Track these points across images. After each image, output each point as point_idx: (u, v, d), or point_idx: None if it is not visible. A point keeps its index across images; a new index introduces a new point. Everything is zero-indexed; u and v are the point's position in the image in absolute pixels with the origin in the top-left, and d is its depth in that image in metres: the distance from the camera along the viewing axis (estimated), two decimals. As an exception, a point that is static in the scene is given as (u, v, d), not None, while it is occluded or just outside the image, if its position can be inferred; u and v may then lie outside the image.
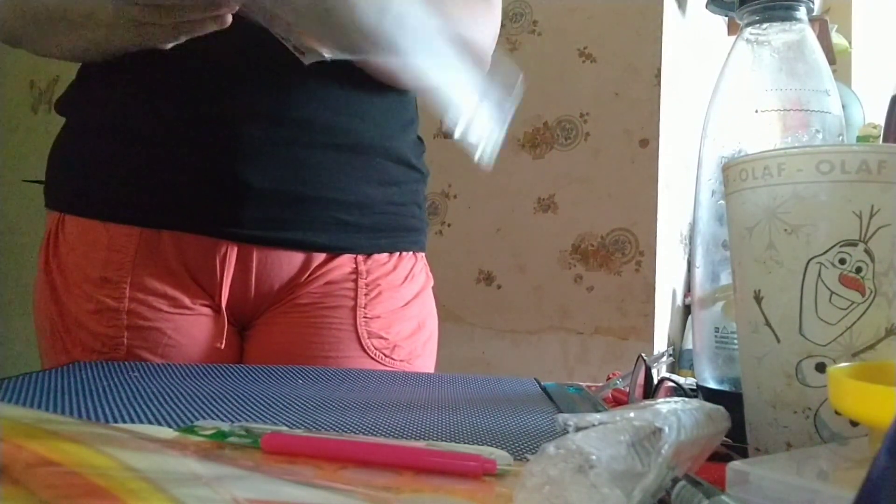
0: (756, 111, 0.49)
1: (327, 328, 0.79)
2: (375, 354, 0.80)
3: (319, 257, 0.79)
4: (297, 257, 0.78)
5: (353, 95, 0.75)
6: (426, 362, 0.87)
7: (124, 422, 0.44)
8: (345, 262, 0.80)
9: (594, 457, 0.26)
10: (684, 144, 2.21)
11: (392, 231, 0.84)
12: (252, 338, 0.82)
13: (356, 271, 0.81)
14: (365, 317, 0.80)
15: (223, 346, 0.78)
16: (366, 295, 0.81)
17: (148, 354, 0.76)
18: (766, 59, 0.50)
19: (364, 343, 0.80)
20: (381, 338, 0.81)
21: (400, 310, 0.83)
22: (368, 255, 0.82)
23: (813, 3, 0.50)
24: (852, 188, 0.37)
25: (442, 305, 0.91)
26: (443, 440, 0.42)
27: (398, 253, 0.84)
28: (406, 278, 0.85)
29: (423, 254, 0.89)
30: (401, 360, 0.82)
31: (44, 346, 0.84)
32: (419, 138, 0.89)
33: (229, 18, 0.64)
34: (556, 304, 2.04)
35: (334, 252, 0.80)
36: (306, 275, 0.79)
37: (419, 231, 0.88)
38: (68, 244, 0.79)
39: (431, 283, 0.90)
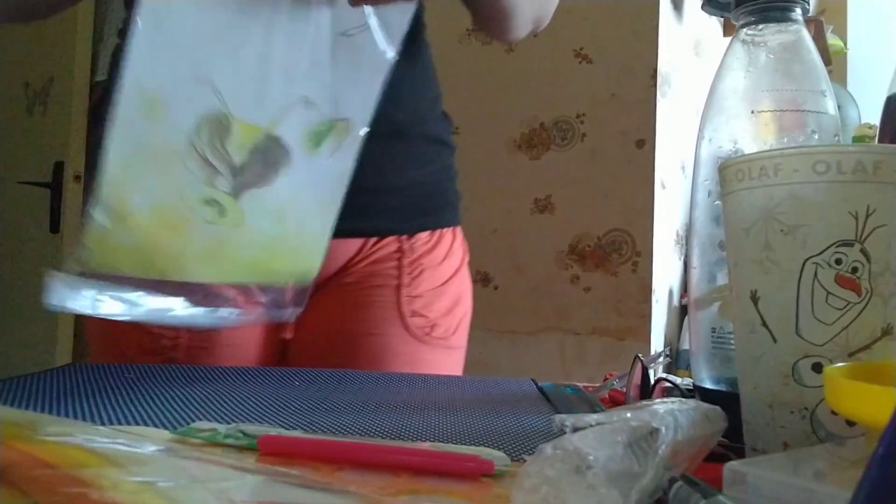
0: (752, 112, 0.49)
1: (371, 307, 0.81)
2: (417, 333, 0.83)
3: (371, 241, 0.82)
4: (354, 244, 0.81)
5: (387, 83, 0.76)
6: (461, 338, 0.89)
7: (121, 424, 0.44)
8: (390, 243, 0.83)
9: (591, 457, 0.26)
10: (680, 145, 2.21)
11: (432, 209, 0.87)
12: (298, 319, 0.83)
13: (400, 250, 0.83)
14: (408, 296, 0.83)
15: (281, 333, 0.81)
16: (409, 274, 0.83)
17: (204, 355, 0.77)
18: (761, 59, 0.50)
19: (406, 322, 0.82)
20: (423, 316, 0.83)
21: (440, 287, 0.86)
22: (412, 234, 0.84)
23: (808, 4, 0.50)
24: (848, 188, 0.37)
25: (440, 306, 0.91)
26: (440, 441, 0.42)
27: (437, 231, 0.87)
28: (446, 255, 0.87)
29: (459, 227, 0.92)
30: (439, 338, 0.85)
31: (95, 349, 0.84)
32: (444, 113, 0.91)
33: None
34: (553, 305, 2.04)
35: (384, 235, 0.82)
36: (357, 258, 0.82)
37: (454, 206, 0.91)
38: None
39: (467, 257, 0.92)
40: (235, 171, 0.65)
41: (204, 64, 0.61)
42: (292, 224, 0.70)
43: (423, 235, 0.85)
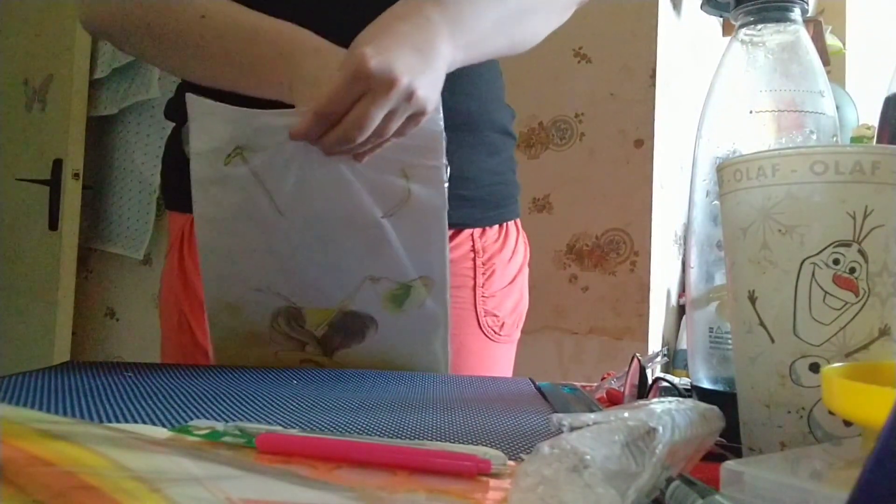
0: (750, 112, 0.49)
1: (452, 307, 0.81)
2: (488, 332, 0.85)
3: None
4: None
5: (456, 74, 0.74)
6: (517, 333, 0.91)
7: (119, 421, 0.44)
8: (464, 241, 0.84)
9: (588, 456, 0.26)
10: (679, 145, 2.21)
11: (501, 201, 0.88)
12: None
13: (473, 249, 0.84)
14: (483, 296, 0.84)
15: None
16: (483, 274, 0.84)
17: None
18: (760, 60, 0.50)
19: (481, 321, 0.84)
20: (494, 315, 0.85)
21: (508, 286, 0.87)
22: (482, 229, 0.85)
23: (807, 4, 0.50)
24: (846, 189, 0.37)
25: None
26: (437, 440, 0.42)
27: (504, 225, 0.88)
28: (513, 253, 0.89)
29: (519, 219, 0.93)
30: (505, 335, 0.87)
31: (167, 346, 0.86)
32: (506, 104, 0.93)
33: None
34: (551, 304, 2.04)
35: (459, 228, 0.83)
36: None
37: (517, 198, 0.92)
38: None
39: (529, 255, 0.93)
40: (319, 342, 0.73)
41: (262, 278, 0.69)
42: (397, 362, 0.74)
43: (492, 232, 0.86)
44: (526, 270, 0.92)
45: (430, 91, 0.62)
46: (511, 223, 0.90)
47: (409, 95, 0.59)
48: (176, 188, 0.85)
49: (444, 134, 0.65)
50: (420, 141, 0.64)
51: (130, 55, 0.86)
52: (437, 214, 0.67)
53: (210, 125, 0.63)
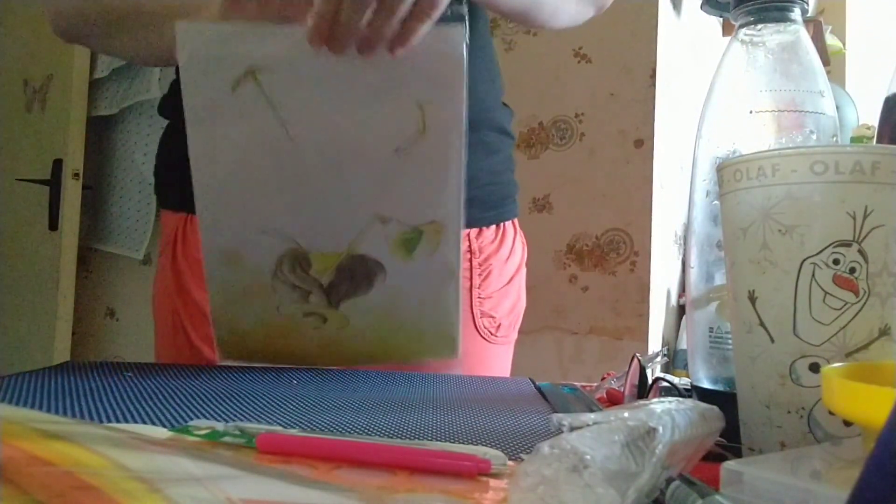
0: (750, 112, 0.49)
1: None
2: (485, 333, 0.85)
3: None
4: None
5: None
6: (514, 334, 0.91)
7: (119, 422, 0.44)
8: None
9: (588, 456, 0.26)
10: (679, 145, 2.21)
11: (499, 201, 0.87)
12: None
13: (470, 250, 0.84)
14: (479, 297, 0.84)
15: None
16: (479, 275, 0.84)
17: None
18: (760, 60, 0.50)
19: (477, 323, 0.84)
20: (490, 317, 0.85)
21: (505, 287, 0.87)
22: (479, 229, 0.85)
23: (807, 4, 0.50)
24: (846, 189, 0.37)
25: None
26: (437, 440, 0.42)
27: (502, 225, 0.87)
28: (510, 253, 0.88)
29: (517, 218, 0.92)
30: (502, 336, 0.87)
31: (161, 346, 0.85)
32: (504, 103, 0.92)
33: None
34: (551, 304, 2.04)
35: None
36: None
37: (515, 197, 0.92)
38: (197, 244, 0.79)
39: (526, 255, 0.93)
40: (325, 290, 0.69)
41: (268, 217, 0.65)
42: (405, 317, 0.70)
43: (489, 233, 0.86)
44: (524, 271, 0.92)
45: None
46: (509, 223, 0.90)
47: None
48: (170, 186, 0.85)
49: (465, 59, 0.59)
50: (437, 66, 0.59)
51: (103, 52, 0.85)
52: (454, 154, 0.63)
53: (210, 50, 0.59)
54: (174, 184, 0.84)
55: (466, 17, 0.64)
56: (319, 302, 0.69)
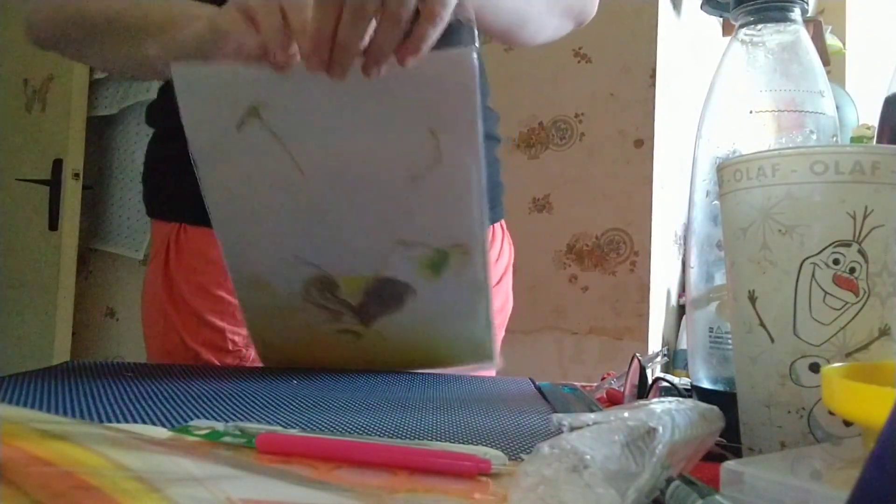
0: (750, 112, 0.49)
1: None
2: None
3: None
4: None
5: None
6: (502, 334, 0.91)
7: (119, 422, 0.44)
8: None
9: (588, 456, 0.26)
10: (679, 145, 2.21)
11: (490, 204, 0.85)
12: None
13: None
14: None
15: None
16: None
17: None
18: (760, 59, 0.50)
19: None
20: None
21: (493, 288, 0.86)
22: None
23: (807, 4, 0.50)
24: (846, 189, 0.37)
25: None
26: (438, 440, 0.42)
27: (491, 228, 0.87)
28: (498, 255, 0.88)
29: (504, 220, 0.92)
30: None
31: (153, 348, 0.85)
32: (490, 108, 0.91)
33: None
34: (551, 304, 2.04)
35: None
36: None
37: (500, 199, 0.91)
38: (193, 250, 0.79)
39: (513, 257, 0.92)
40: (356, 310, 0.69)
41: (289, 247, 0.65)
42: (439, 331, 0.70)
43: None
44: (511, 272, 0.92)
45: None
46: (497, 225, 0.89)
47: None
48: (159, 196, 0.84)
49: (478, 87, 0.55)
50: (448, 96, 0.56)
51: (79, 62, 0.84)
52: (473, 179, 0.60)
53: (210, 92, 0.57)
54: (163, 194, 0.83)
55: (476, 31, 0.60)
56: (352, 321, 0.70)
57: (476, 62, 0.54)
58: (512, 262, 0.92)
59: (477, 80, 0.55)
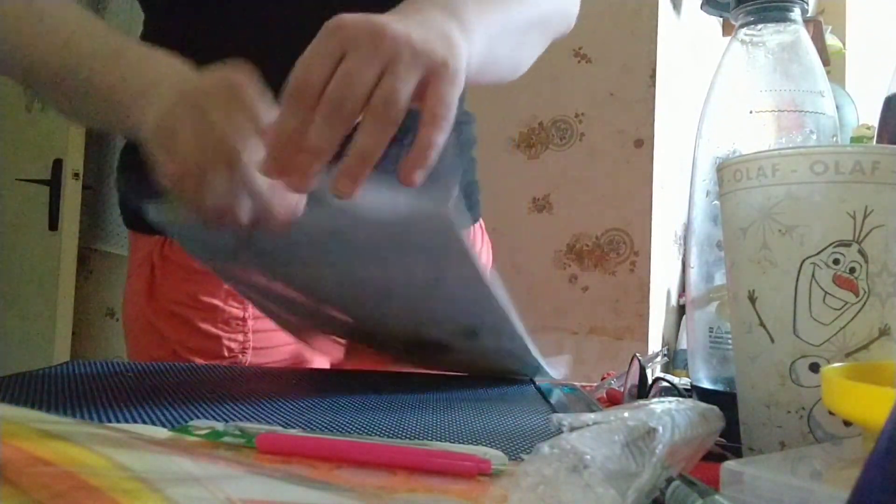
0: (750, 112, 0.49)
1: None
2: None
3: None
4: None
5: None
6: None
7: (119, 422, 0.44)
8: None
9: (588, 456, 0.26)
10: (679, 145, 2.21)
11: (466, 204, 0.86)
12: None
13: None
14: None
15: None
16: None
17: (264, 356, 0.79)
18: (760, 59, 0.50)
19: None
20: None
21: None
22: None
23: (807, 4, 0.50)
24: (846, 189, 0.37)
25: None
26: (437, 440, 0.42)
27: (471, 228, 0.86)
28: (478, 254, 0.87)
29: (481, 220, 0.91)
30: None
31: (135, 349, 0.83)
32: (466, 111, 0.92)
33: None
34: (551, 304, 2.04)
35: None
36: None
37: (478, 199, 0.91)
38: (181, 262, 0.77)
39: (491, 255, 0.92)
40: (402, 352, 0.72)
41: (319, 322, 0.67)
42: (485, 362, 0.70)
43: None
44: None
45: (434, 43, 0.45)
46: (476, 225, 0.89)
47: (405, 45, 0.44)
48: (136, 212, 0.81)
49: (453, 212, 0.46)
50: (437, 248, 0.50)
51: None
52: (478, 283, 0.54)
53: (192, 232, 0.55)
54: (140, 210, 0.81)
55: (454, 179, 0.58)
56: (400, 356, 0.72)
57: (453, 219, 0.46)
58: (490, 261, 0.92)
59: (461, 233, 0.48)
